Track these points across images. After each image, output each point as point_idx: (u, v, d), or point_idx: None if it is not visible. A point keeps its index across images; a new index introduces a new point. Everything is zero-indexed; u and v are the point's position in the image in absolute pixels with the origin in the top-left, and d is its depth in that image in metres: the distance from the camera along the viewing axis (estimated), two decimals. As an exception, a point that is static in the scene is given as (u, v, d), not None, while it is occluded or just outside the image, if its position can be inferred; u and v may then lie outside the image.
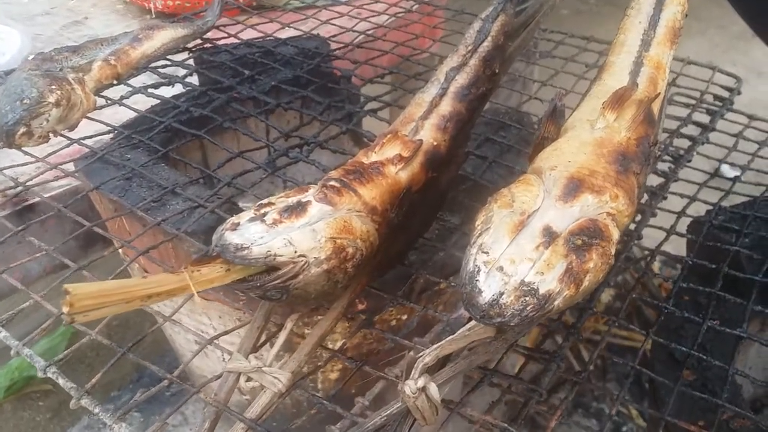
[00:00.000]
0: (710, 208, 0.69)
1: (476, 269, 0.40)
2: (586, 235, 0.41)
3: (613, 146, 0.46)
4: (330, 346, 0.55)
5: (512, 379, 0.49)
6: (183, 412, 1.03)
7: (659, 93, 0.50)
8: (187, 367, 0.85)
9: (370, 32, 0.98)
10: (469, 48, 0.59)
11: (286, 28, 1.01)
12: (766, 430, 0.52)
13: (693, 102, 0.82)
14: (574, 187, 0.44)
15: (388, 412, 0.43)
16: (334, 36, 0.97)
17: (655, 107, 0.51)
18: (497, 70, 0.61)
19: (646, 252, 0.64)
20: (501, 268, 0.40)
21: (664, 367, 0.59)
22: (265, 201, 0.46)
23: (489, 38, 0.60)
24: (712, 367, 0.56)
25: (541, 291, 0.39)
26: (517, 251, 0.41)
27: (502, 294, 0.39)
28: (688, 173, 0.74)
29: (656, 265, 1.31)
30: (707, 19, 2.94)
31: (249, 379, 0.46)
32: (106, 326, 0.51)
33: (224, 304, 0.67)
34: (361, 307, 0.65)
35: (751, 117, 0.86)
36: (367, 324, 0.54)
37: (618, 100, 0.48)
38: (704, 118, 0.81)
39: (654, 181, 0.71)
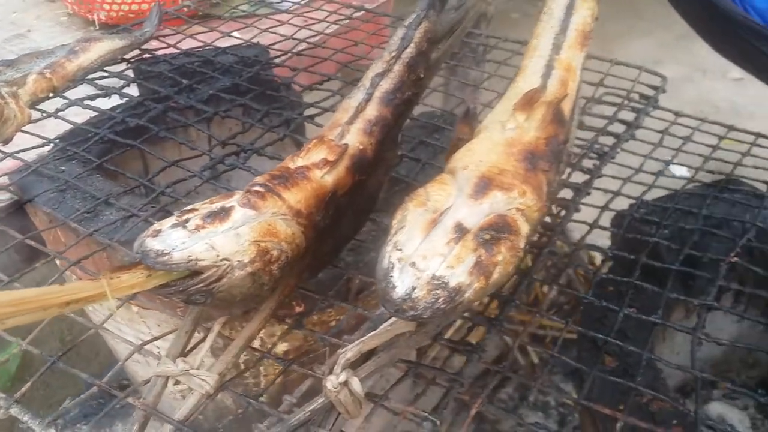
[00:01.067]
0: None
1: (390, 266, 0.42)
2: (495, 230, 0.44)
3: (522, 146, 0.48)
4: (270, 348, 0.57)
5: (436, 371, 0.51)
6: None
7: (568, 94, 0.53)
8: (131, 376, 0.86)
9: (310, 40, 0.99)
10: (393, 54, 0.61)
11: (227, 37, 1.02)
12: (682, 411, 0.55)
13: (619, 101, 0.86)
14: (484, 185, 0.46)
15: (312, 407, 0.45)
16: (274, 44, 0.99)
17: (568, 108, 0.53)
18: (422, 75, 0.63)
19: (573, 245, 0.67)
20: (414, 264, 0.42)
21: (588, 354, 0.62)
22: (189, 207, 0.47)
23: (412, 44, 0.62)
24: (633, 353, 0.58)
25: (452, 284, 0.41)
26: (430, 247, 0.43)
27: (414, 288, 0.41)
28: (621, 169, 0.77)
29: (599, 258, 1.34)
30: (653, 19, 3.02)
31: (177, 383, 0.47)
32: (60, 341, 0.52)
33: (162, 312, 0.67)
34: (298, 309, 0.67)
35: (677, 114, 0.89)
36: (298, 325, 0.55)
37: (528, 102, 0.50)
38: (631, 117, 0.85)
39: (580, 177, 0.74)
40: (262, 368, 0.73)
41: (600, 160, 0.75)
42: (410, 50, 0.61)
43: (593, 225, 0.67)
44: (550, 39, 0.56)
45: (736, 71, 2.01)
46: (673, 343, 0.76)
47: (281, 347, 0.71)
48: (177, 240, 0.43)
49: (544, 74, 0.54)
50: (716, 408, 0.75)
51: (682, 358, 0.78)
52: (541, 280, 0.64)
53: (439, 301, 0.41)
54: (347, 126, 0.57)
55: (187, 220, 0.45)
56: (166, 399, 0.48)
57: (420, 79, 0.62)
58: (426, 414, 0.46)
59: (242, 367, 0.70)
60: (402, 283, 0.41)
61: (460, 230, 0.43)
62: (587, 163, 0.76)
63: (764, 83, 1.88)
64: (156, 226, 0.45)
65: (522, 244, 0.45)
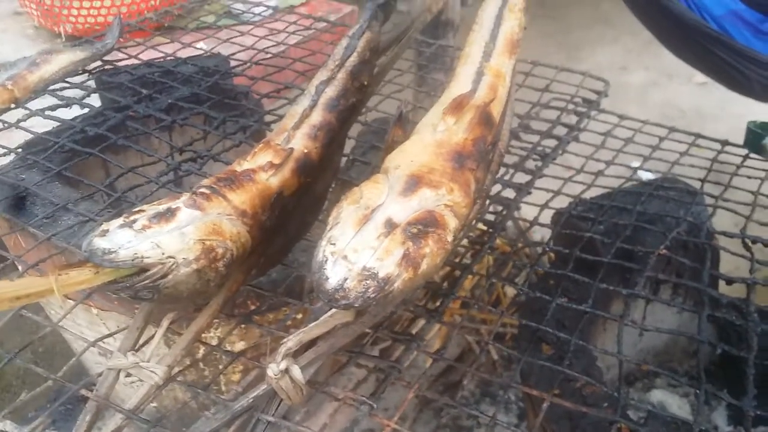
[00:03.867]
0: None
1: (324, 259, 0.45)
2: (422, 225, 0.47)
3: (450, 146, 0.52)
4: (228, 348, 0.59)
5: (377, 359, 0.54)
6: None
7: (496, 98, 0.56)
8: (92, 374, 0.88)
9: (269, 49, 1.02)
10: (337, 63, 0.64)
11: (187, 47, 1.05)
12: (611, 395, 0.58)
13: (563, 106, 0.90)
14: (414, 183, 0.49)
15: (255, 393, 0.48)
16: (234, 54, 1.02)
17: (497, 111, 0.57)
18: (366, 83, 0.66)
19: (513, 241, 0.70)
20: (346, 257, 0.45)
21: (527, 343, 0.65)
22: (137, 209, 0.50)
23: (355, 54, 0.65)
24: (570, 342, 0.62)
25: (381, 274, 0.44)
26: (361, 241, 0.46)
27: (346, 279, 0.44)
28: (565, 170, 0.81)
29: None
30: (620, 26, 3.09)
31: (129, 375, 0.50)
32: (32, 353, 0.54)
33: (121, 314, 0.70)
34: (252, 307, 0.70)
35: (621, 117, 0.93)
36: (247, 320, 0.58)
37: (458, 106, 0.54)
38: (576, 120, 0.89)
39: (523, 178, 0.77)
40: (221, 366, 0.75)
41: (542, 161, 0.79)
42: (353, 59, 0.65)
43: (533, 222, 0.70)
44: (481, 47, 0.59)
45: (701, 76, 2.08)
46: (614, 334, 0.79)
47: (239, 345, 0.74)
48: (123, 239, 0.46)
49: (474, 80, 0.58)
50: (657, 395, 0.79)
51: (626, 348, 0.81)
52: (481, 274, 0.67)
53: (370, 290, 0.44)
54: (293, 131, 0.60)
55: (134, 221, 0.48)
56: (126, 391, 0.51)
57: (364, 86, 0.66)
58: (364, 398, 0.49)
59: (201, 363, 0.72)
60: (335, 274, 0.44)
61: (390, 225, 0.47)
62: (531, 165, 0.80)
63: (723, 86, 1.94)
64: (104, 226, 0.47)
65: (450, 238, 0.48)
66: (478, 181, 0.53)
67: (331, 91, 0.63)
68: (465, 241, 0.70)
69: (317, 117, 0.62)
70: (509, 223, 1.20)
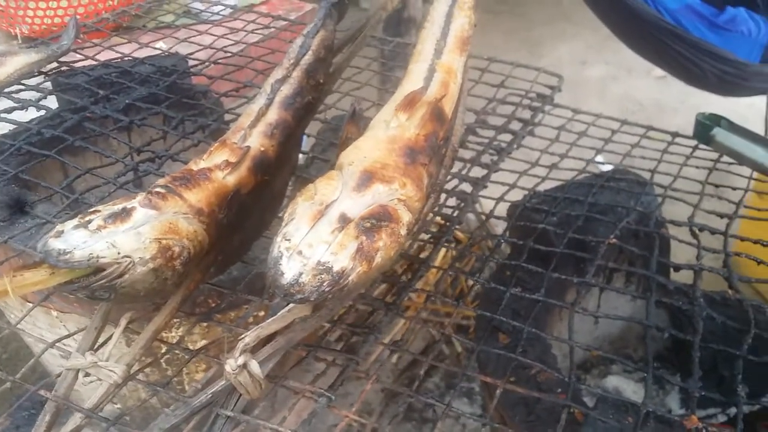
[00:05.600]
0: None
1: (279, 255, 0.46)
2: (376, 219, 0.48)
3: (403, 142, 0.53)
4: (191, 347, 0.60)
5: (335, 352, 0.55)
6: None
7: (447, 94, 0.57)
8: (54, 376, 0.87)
9: (228, 48, 1.02)
10: (292, 61, 0.65)
11: (145, 47, 1.04)
12: (564, 381, 0.60)
13: (518, 101, 0.92)
14: (367, 178, 0.50)
15: (213, 389, 0.48)
16: (192, 53, 1.01)
17: (448, 107, 0.58)
18: (321, 81, 0.67)
19: (470, 233, 0.72)
20: (300, 252, 0.46)
21: (484, 333, 0.67)
22: (92, 209, 0.50)
23: (310, 52, 0.66)
24: (522, 330, 0.64)
25: (335, 268, 0.45)
26: (315, 236, 0.47)
27: (301, 274, 0.45)
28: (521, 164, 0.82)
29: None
30: (581, 22, 3.14)
31: (87, 374, 0.50)
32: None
33: (81, 316, 0.70)
34: (213, 305, 0.70)
35: (575, 111, 0.96)
36: (206, 318, 0.58)
37: (410, 102, 0.55)
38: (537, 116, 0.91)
39: (479, 172, 0.79)
40: (185, 367, 0.75)
41: (498, 155, 0.80)
42: (308, 57, 0.65)
43: (488, 215, 0.72)
44: (432, 45, 0.61)
45: (659, 69, 2.13)
46: (572, 322, 0.82)
47: (202, 343, 0.74)
48: (78, 239, 0.46)
49: (426, 77, 0.59)
50: (613, 381, 0.81)
51: (581, 337, 0.84)
52: (439, 267, 0.68)
53: (324, 284, 0.45)
54: (249, 130, 0.61)
55: (89, 221, 0.48)
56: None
57: (320, 84, 0.67)
58: (322, 391, 0.50)
59: (163, 363, 0.73)
60: (290, 269, 0.45)
61: (344, 220, 0.48)
62: (488, 159, 0.81)
63: (680, 80, 1.98)
64: (59, 227, 0.47)
65: (403, 231, 0.49)
66: (430, 176, 0.54)
67: (286, 90, 0.64)
68: (425, 235, 0.71)
69: (273, 115, 0.62)
70: (473, 216, 1.22)
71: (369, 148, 0.53)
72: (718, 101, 2.32)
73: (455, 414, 0.54)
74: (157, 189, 0.52)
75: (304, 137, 0.91)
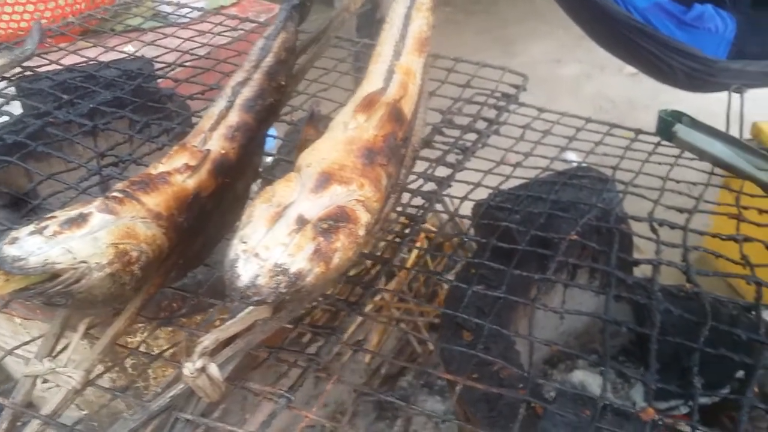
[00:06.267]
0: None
1: (236, 257, 0.46)
2: (333, 220, 0.48)
3: (361, 143, 0.53)
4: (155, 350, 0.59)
5: (297, 353, 0.55)
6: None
7: (406, 95, 0.58)
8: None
9: (195, 51, 1.02)
10: (253, 64, 0.65)
11: (111, 51, 1.03)
12: (525, 375, 0.61)
13: (483, 100, 0.92)
14: (325, 179, 0.50)
15: (172, 393, 0.48)
16: (159, 56, 1.01)
17: (407, 108, 0.59)
18: (283, 83, 0.67)
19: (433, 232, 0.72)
20: (257, 254, 0.46)
21: (448, 331, 0.68)
22: (48, 215, 0.50)
23: (271, 54, 0.66)
24: (483, 327, 0.64)
25: (292, 270, 0.46)
26: (272, 238, 0.47)
27: (257, 276, 0.45)
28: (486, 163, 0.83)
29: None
30: (554, 20, 3.17)
31: (46, 381, 0.50)
32: None
33: (44, 322, 0.69)
34: (177, 309, 0.70)
35: (540, 110, 0.96)
36: (167, 322, 0.58)
37: (368, 104, 0.56)
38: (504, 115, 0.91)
39: (444, 172, 0.80)
40: (149, 369, 0.75)
41: (463, 154, 0.81)
42: (269, 60, 0.66)
43: (452, 214, 0.73)
44: (391, 46, 0.61)
45: (631, 67, 2.16)
46: (536, 318, 0.82)
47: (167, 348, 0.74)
48: (33, 246, 0.46)
49: (386, 78, 0.59)
50: (579, 375, 0.82)
51: (546, 332, 0.85)
52: (399, 266, 0.69)
53: (281, 285, 0.45)
54: (210, 132, 0.61)
55: (44, 227, 0.48)
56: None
57: (281, 86, 0.67)
58: (282, 392, 0.51)
59: (129, 369, 0.72)
60: (246, 272, 0.45)
61: (301, 222, 0.48)
62: (452, 158, 0.82)
63: (650, 77, 2.00)
64: (14, 233, 0.47)
65: (361, 232, 0.50)
66: (390, 176, 0.55)
67: (247, 92, 0.64)
68: (390, 236, 0.72)
69: (234, 118, 0.63)
70: (447, 216, 1.23)
71: (327, 150, 0.53)
72: (688, 97, 2.36)
73: (417, 411, 0.54)
74: (115, 194, 0.52)
75: (273, 139, 0.92)
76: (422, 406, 1.14)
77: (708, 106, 1.93)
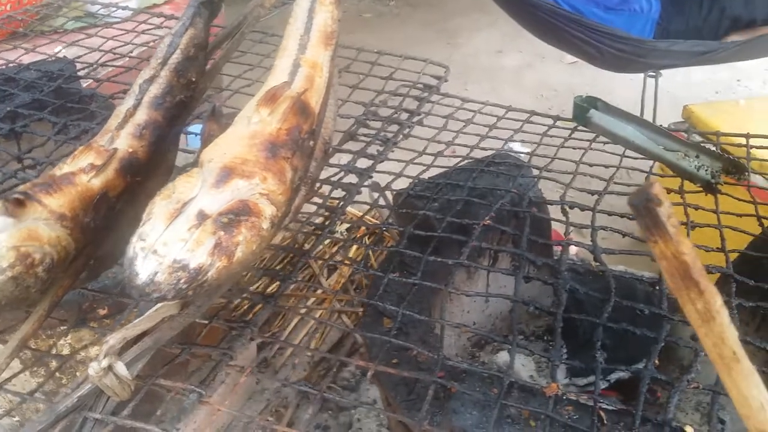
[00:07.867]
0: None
1: (135, 255, 0.46)
2: (234, 214, 0.49)
3: (264, 137, 0.54)
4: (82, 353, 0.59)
5: (209, 348, 0.56)
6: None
7: (311, 88, 0.59)
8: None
9: (118, 50, 1.01)
10: (160, 61, 0.65)
11: (32, 53, 1.02)
12: (441, 360, 0.62)
13: (405, 92, 0.94)
14: (226, 174, 0.51)
15: (79, 393, 0.48)
16: (81, 56, 1.00)
17: (314, 101, 0.60)
18: (194, 79, 0.67)
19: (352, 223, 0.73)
20: (155, 251, 0.46)
21: (371, 320, 0.69)
22: (-55, 221, 0.49)
23: (178, 51, 0.66)
24: (405, 315, 0.66)
25: (192, 265, 0.46)
26: (171, 234, 0.47)
27: (156, 273, 0.45)
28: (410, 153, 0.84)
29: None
30: (496, 12, 3.20)
31: (-50, 388, 0.49)
32: None
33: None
34: (102, 312, 0.70)
35: (463, 100, 0.98)
36: (80, 323, 0.58)
37: (272, 97, 0.56)
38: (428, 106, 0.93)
39: (366, 163, 0.81)
40: (78, 372, 0.75)
41: (385, 146, 0.82)
42: (177, 56, 0.66)
43: (373, 204, 0.74)
44: (296, 40, 0.62)
45: (571, 56, 2.20)
46: (461, 303, 0.85)
47: (94, 350, 0.73)
48: (-73, 251, 0.46)
49: (291, 72, 0.60)
50: (504, 356, 0.84)
51: (473, 314, 0.87)
52: (317, 257, 0.70)
53: (181, 281, 0.46)
54: (117, 131, 0.61)
55: (-60, 233, 0.47)
56: None
57: (192, 83, 0.67)
58: (193, 387, 0.51)
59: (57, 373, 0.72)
60: (144, 269, 0.46)
61: (202, 217, 0.48)
62: (374, 150, 0.83)
63: (584, 61, 2.05)
64: None
65: (266, 225, 0.50)
66: (295, 169, 0.55)
67: (155, 90, 0.64)
68: (309, 227, 0.72)
69: (142, 116, 0.63)
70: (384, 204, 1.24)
71: (229, 145, 0.53)
72: (623, 81, 2.41)
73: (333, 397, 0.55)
74: (15, 196, 0.52)
75: (196, 137, 0.92)
76: (365, 395, 1.16)
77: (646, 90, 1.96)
